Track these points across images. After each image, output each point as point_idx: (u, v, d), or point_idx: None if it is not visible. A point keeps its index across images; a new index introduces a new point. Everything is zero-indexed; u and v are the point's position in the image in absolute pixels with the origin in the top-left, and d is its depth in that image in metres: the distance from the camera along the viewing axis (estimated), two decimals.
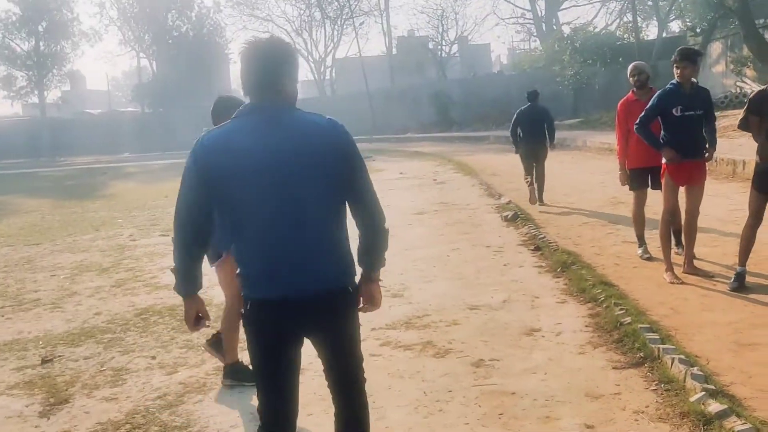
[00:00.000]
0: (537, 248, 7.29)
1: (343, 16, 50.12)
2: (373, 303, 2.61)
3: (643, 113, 5.81)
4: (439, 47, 51.20)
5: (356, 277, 2.56)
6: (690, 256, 5.90)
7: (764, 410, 3.34)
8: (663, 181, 5.86)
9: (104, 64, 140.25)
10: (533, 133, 10.53)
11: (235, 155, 2.34)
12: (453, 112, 37.63)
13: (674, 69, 5.62)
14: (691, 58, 5.58)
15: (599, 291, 5.37)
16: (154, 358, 4.82)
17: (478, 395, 3.84)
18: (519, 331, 4.80)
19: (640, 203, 6.68)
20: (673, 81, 5.66)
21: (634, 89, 6.70)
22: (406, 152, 24.01)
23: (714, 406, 3.27)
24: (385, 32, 50.16)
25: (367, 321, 5.24)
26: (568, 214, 9.33)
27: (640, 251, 6.59)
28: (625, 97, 6.82)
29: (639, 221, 6.68)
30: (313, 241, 2.39)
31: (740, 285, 5.31)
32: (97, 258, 8.75)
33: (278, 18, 55.32)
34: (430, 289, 6.10)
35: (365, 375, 2.65)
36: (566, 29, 36.76)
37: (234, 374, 4.19)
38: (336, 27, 51.10)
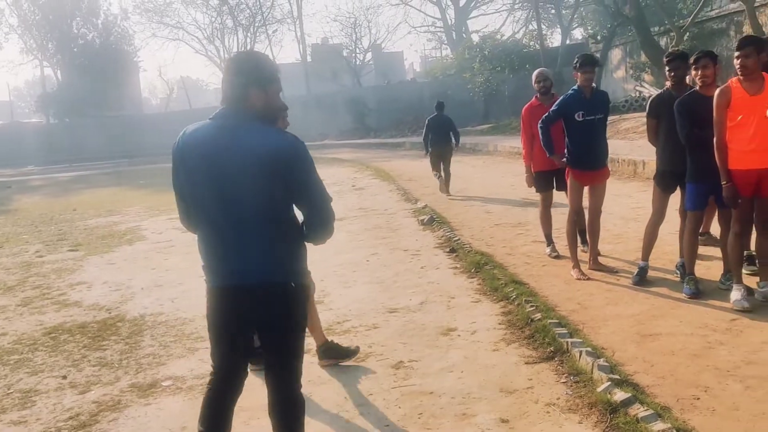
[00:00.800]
0: (452, 250, 7.46)
1: (256, 24, 49.66)
2: None
3: (546, 114, 6.07)
4: (354, 55, 51.52)
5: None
6: (595, 253, 6.19)
7: (665, 396, 3.56)
8: (568, 183, 6.13)
9: (5, 73, 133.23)
10: (440, 137, 12.68)
11: (191, 152, 2.65)
12: (369, 119, 37.94)
13: (575, 75, 5.90)
14: (591, 63, 5.88)
15: (511, 289, 5.56)
16: (65, 377, 4.64)
17: (398, 397, 3.91)
18: (436, 332, 4.91)
19: (546, 204, 6.96)
20: (575, 87, 5.94)
21: (538, 95, 6.98)
22: (325, 159, 23.93)
23: (619, 395, 3.45)
24: (299, 40, 50.16)
25: None
26: (481, 217, 9.58)
27: (548, 250, 6.87)
28: (529, 103, 7.10)
29: (546, 221, 6.96)
30: (252, 238, 2.63)
31: (642, 279, 5.62)
32: (1, 276, 8.32)
33: (189, 25, 54.14)
34: (350, 295, 6.14)
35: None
36: (475, 37, 37.78)
37: (328, 353, 4.46)
38: (249, 34, 50.52)
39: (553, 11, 35.73)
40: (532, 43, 31.90)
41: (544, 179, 6.87)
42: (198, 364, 4.66)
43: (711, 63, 5.07)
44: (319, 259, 7.66)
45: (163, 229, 10.91)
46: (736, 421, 3.26)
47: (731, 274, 5.06)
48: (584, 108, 5.83)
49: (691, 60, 5.18)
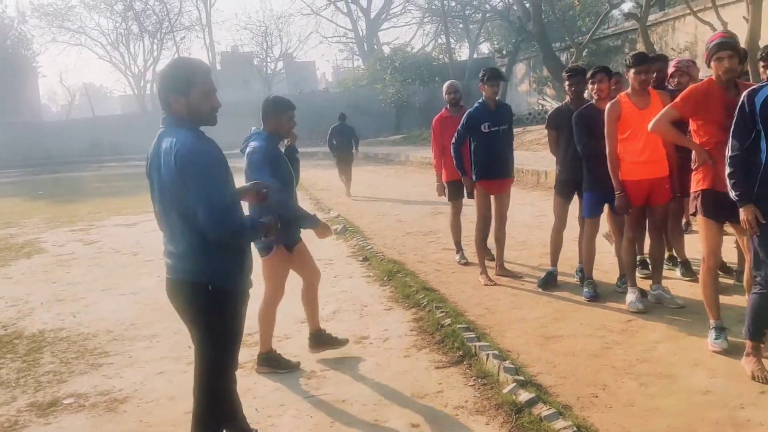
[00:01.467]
0: (365, 259, 7.52)
1: (163, 30, 48.37)
2: None
3: (456, 134, 6.25)
4: (265, 64, 51.03)
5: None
6: (501, 260, 6.40)
7: (566, 395, 3.72)
8: (475, 192, 6.31)
9: None
10: (343, 144, 14.66)
11: (148, 158, 2.95)
12: None
13: (482, 87, 6.10)
14: (497, 77, 6.10)
15: (422, 296, 5.67)
16: None
17: (310, 406, 3.91)
18: (349, 340, 4.93)
19: (456, 212, 7.15)
20: (480, 100, 6.15)
21: (448, 106, 7.17)
22: (235, 168, 23.50)
23: (524, 396, 3.59)
24: (208, 47, 49.15)
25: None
26: (393, 226, 9.71)
27: (457, 257, 7.04)
28: (439, 114, 7.27)
29: (456, 229, 7.15)
30: (175, 236, 2.88)
31: (549, 283, 5.86)
32: None
33: (92, 30, 51.93)
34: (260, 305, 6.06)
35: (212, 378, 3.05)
36: (387, 49, 38.24)
37: (268, 362, 4.49)
38: (155, 41, 49.13)
39: (461, 26, 36.72)
40: (441, 56, 32.65)
41: (455, 188, 7.04)
42: (102, 380, 4.50)
43: (606, 78, 5.37)
44: None
45: (65, 242, 10.44)
46: (632, 416, 3.45)
47: (626, 278, 5.35)
48: (490, 119, 6.04)
49: (588, 75, 5.48)
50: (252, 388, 4.21)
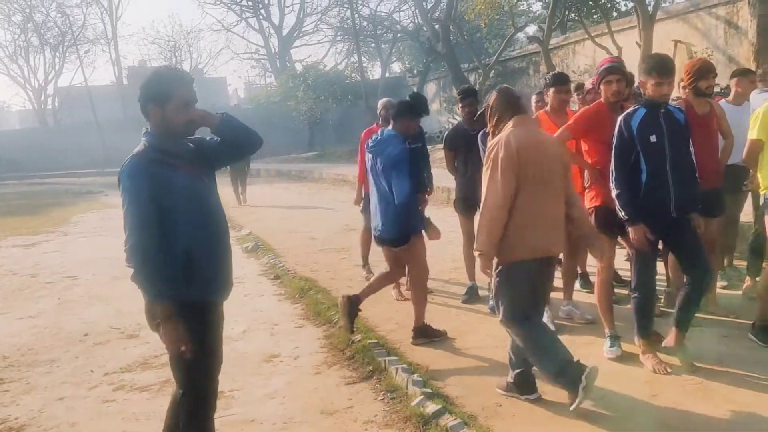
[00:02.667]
0: (277, 277, 7.47)
1: (66, 43, 46.43)
2: None
3: None
4: None
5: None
6: None
7: (472, 406, 3.83)
8: None
9: None
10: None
11: None
12: None
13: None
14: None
15: (333, 313, 5.69)
16: None
17: (219, 427, 3.83)
18: (259, 359, 4.90)
19: (368, 226, 7.21)
20: None
21: (380, 121, 7.30)
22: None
23: (431, 407, 3.67)
24: (113, 61, 47.56)
25: (99, 366, 4.96)
26: (306, 243, 9.69)
27: (364, 272, 7.11)
28: (369, 128, 7.40)
29: (366, 243, 7.22)
30: None
31: (471, 297, 6.02)
32: None
33: None
34: None
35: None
36: (299, 66, 38.23)
37: (424, 333, 4.97)
38: (57, 54, 47.08)
39: (373, 45, 37.19)
40: (353, 74, 32.95)
41: (368, 201, 7.11)
42: None
43: (475, 101, 5.69)
44: (132, 290, 7.36)
45: None
46: (533, 423, 3.59)
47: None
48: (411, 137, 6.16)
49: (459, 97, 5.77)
50: (158, 411, 4.09)
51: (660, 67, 4.02)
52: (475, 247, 3.76)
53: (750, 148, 4.56)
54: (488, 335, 5.05)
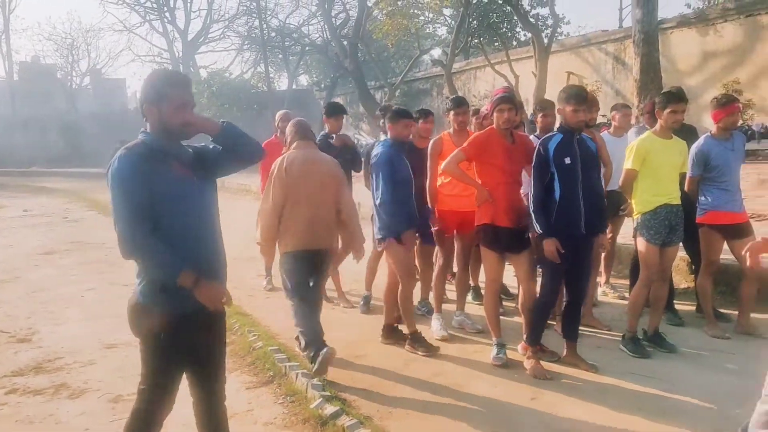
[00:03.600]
0: None
1: None
2: None
3: None
4: (70, 77, 47.70)
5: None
6: None
7: (368, 407, 4.04)
8: None
9: None
10: None
11: None
12: (87, 147, 35.28)
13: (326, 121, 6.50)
14: (340, 111, 6.55)
15: (234, 321, 5.77)
16: None
17: (117, 430, 3.85)
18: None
19: None
20: (324, 132, 6.55)
21: (278, 134, 7.43)
22: (31, 187, 21.81)
23: (329, 409, 3.85)
24: (4, 55, 45.01)
25: None
26: None
27: (264, 282, 7.21)
28: (268, 141, 7.52)
29: (268, 254, 7.31)
30: None
31: (367, 306, 6.29)
32: None
33: None
34: (62, 332, 5.82)
35: None
36: (204, 72, 37.55)
37: (389, 335, 5.35)
38: None
39: (280, 56, 37.09)
40: (260, 84, 32.75)
41: None
42: None
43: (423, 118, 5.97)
44: (23, 295, 7.13)
45: None
46: (426, 421, 3.85)
47: (426, 301, 5.87)
48: (332, 152, 6.34)
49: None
50: (54, 413, 4.07)
51: (576, 96, 4.47)
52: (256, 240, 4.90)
53: (626, 176, 5.05)
54: (386, 347, 5.28)
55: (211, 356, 3.02)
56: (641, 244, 4.94)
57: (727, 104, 5.22)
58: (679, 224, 4.93)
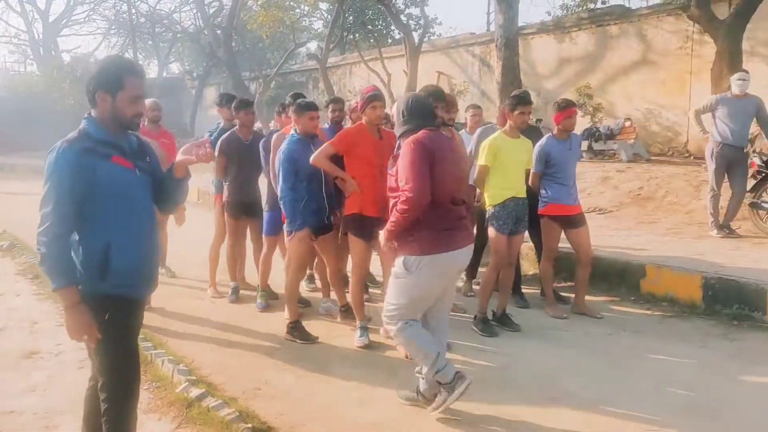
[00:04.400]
0: (36, 276, 7.17)
1: None
2: None
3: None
4: None
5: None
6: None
7: (234, 390, 4.19)
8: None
9: None
10: None
11: None
12: None
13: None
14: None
15: None
16: None
17: None
18: (18, 356, 4.81)
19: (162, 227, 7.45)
20: (219, 122, 6.75)
21: (145, 122, 7.32)
22: None
23: (194, 392, 3.97)
24: None
25: None
26: None
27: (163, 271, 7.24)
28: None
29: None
30: None
31: (236, 296, 6.41)
32: None
33: None
34: None
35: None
36: (67, 57, 35.52)
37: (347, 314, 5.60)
38: None
39: (150, 42, 35.76)
40: None
41: None
42: None
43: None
44: None
45: None
46: (289, 402, 4.05)
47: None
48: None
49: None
50: None
51: (434, 94, 4.74)
52: None
53: (479, 172, 5.49)
54: (253, 330, 5.45)
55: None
56: (492, 233, 5.41)
57: (566, 108, 5.79)
58: (524, 215, 5.44)
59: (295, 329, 5.25)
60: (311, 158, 5.10)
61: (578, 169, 11.43)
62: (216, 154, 6.08)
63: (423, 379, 3.88)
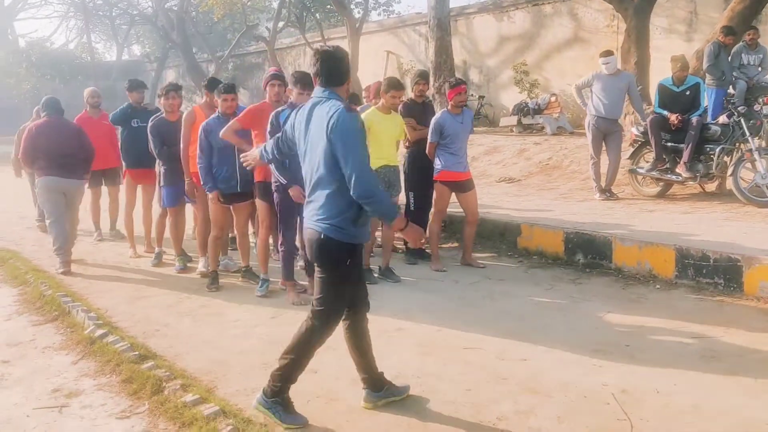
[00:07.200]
0: None
1: None
2: None
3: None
4: None
5: None
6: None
7: (136, 331, 4.92)
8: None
9: None
10: None
11: None
12: None
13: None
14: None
15: (30, 276, 6.41)
16: None
17: None
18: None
19: (96, 199, 8.58)
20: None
21: (87, 109, 8.17)
22: None
23: (99, 333, 4.71)
24: None
25: None
26: (14, 221, 9.95)
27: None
28: (79, 115, 8.34)
29: (96, 212, 8.61)
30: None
31: (159, 261, 7.14)
32: None
33: None
34: None
35: None
36: (22, 42, 35.42)
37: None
38: None
39: (109, 24, 35.75)
40: (84, 54, 31.52)
41: (98, 176, 8.30)
42: None
43: (177, 96, 6.79)
44: None
45: None
46: (180, 339, 4.78)
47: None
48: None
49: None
50: None
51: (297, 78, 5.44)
52: None
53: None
54: (168, 286, 6.23)
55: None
56: None
57: (456, 86, 6.55)
58: (396, 181, 6.22)
59: (213, 279, 6.15)
60: (221, 132, 5.77)
61: (499, 142, 12.37)
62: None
63: None
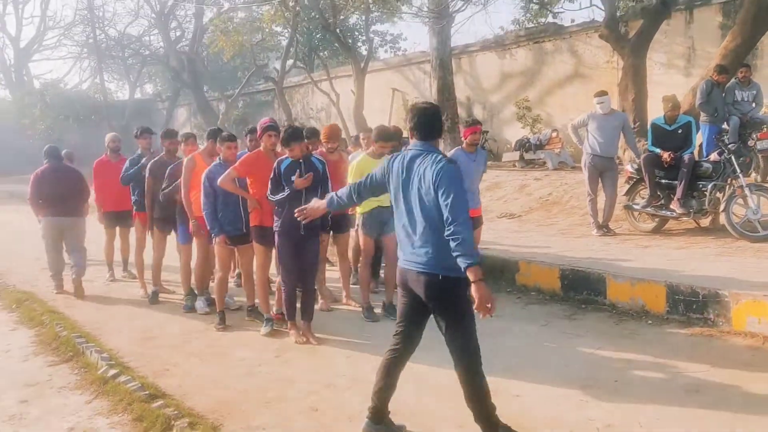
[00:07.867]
0: None
1: None
2: None
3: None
4: None
5: None
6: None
7: (145, 371, 5.14)
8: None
9: None
10: None
11: None
12: None
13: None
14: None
15: (46, 317, 6.67)
16: None
17: None
18: None
19: (110, 240, 8.83)
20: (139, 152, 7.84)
21: (108, 153, 8.80)
22: None
23: (111, 373, 4.95)
24: None
25: None
26: (30, 264, 10.24)
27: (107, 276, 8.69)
28: (99, 159, 8.85)
29: (111, 252, 8.90)
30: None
31: (156, 299, 7.43)
32: None
33: None
34: None
35: None
36: (37, 83, 36.26)
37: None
38: None
39: (122, 65, 36.52)
40: (97, 95, 32.21)
41: (111, 218, 8.70)
42: None
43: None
44: None
45: None
46: (188, 378, 5.01)
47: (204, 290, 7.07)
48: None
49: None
50: None
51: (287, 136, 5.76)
52: None
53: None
54: (174, 327, 6.44)
55: None
56: (361, 236, 6.55)
57: (472, 125, 6.85)
58: (390, 220, 6.42)
59: (219, 317, 6.39)
60: (219, 180, 6.08)
61: (501, 178, 12.61)
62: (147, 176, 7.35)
63: None
